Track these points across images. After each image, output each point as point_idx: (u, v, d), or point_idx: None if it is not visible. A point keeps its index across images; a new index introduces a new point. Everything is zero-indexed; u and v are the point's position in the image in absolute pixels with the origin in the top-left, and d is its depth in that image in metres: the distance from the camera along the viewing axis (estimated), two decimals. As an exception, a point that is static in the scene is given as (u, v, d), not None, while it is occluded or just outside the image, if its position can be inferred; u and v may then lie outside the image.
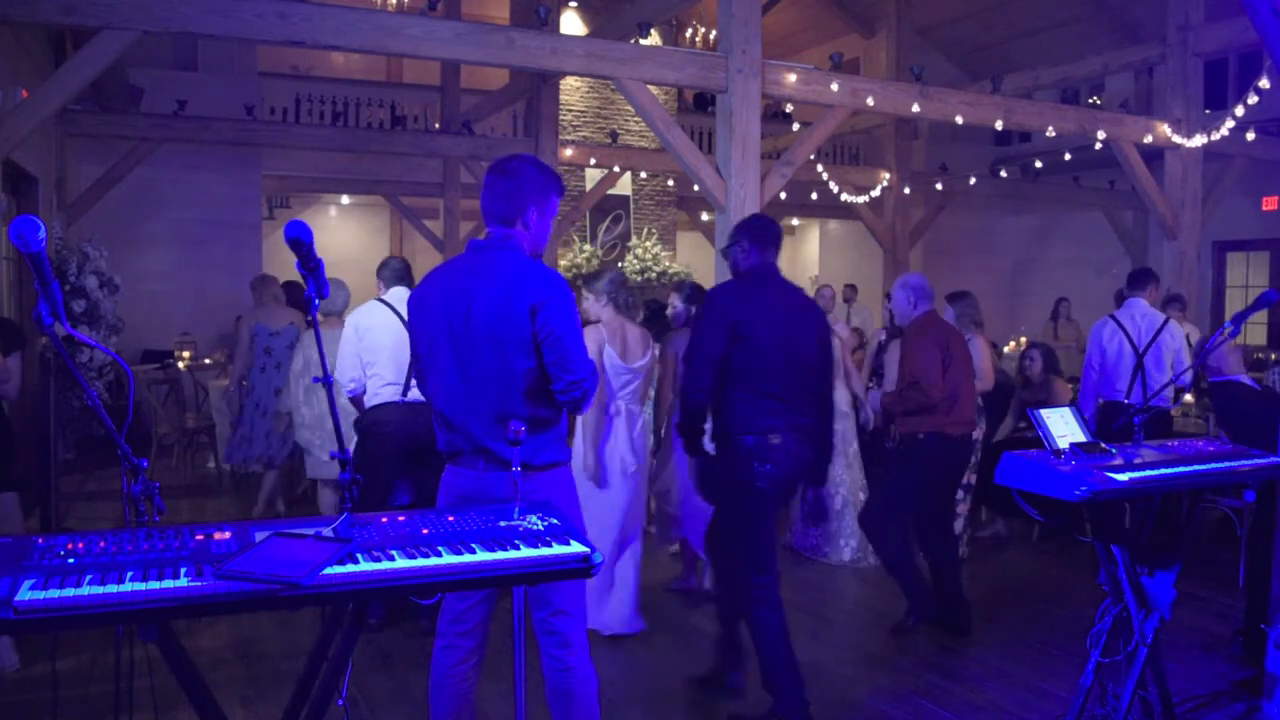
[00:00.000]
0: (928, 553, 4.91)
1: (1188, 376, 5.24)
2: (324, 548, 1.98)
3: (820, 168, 12.68)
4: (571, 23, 14.59)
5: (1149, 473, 2.91)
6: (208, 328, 11.78)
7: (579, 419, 4.57)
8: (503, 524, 2.25)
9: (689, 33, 16.95)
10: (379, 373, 4.55)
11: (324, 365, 2.31)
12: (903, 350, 4.93)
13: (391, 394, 4.54)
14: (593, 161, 12.85)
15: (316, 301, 2.17)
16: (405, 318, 4.53)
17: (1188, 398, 6.99)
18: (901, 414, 4.87)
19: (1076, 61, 9.93)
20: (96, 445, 8.55)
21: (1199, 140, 8.72)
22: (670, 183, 14.87)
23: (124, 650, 2.31)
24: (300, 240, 2.07)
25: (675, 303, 5.47)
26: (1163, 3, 8.84)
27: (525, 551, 2.11)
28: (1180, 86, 8.77)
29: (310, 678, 2.27)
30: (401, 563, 2.00)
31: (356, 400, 4.67)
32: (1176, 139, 8.75)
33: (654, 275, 14.25)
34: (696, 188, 7.48)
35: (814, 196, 13.58)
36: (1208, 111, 9.79)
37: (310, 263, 2.11)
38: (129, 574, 1.86)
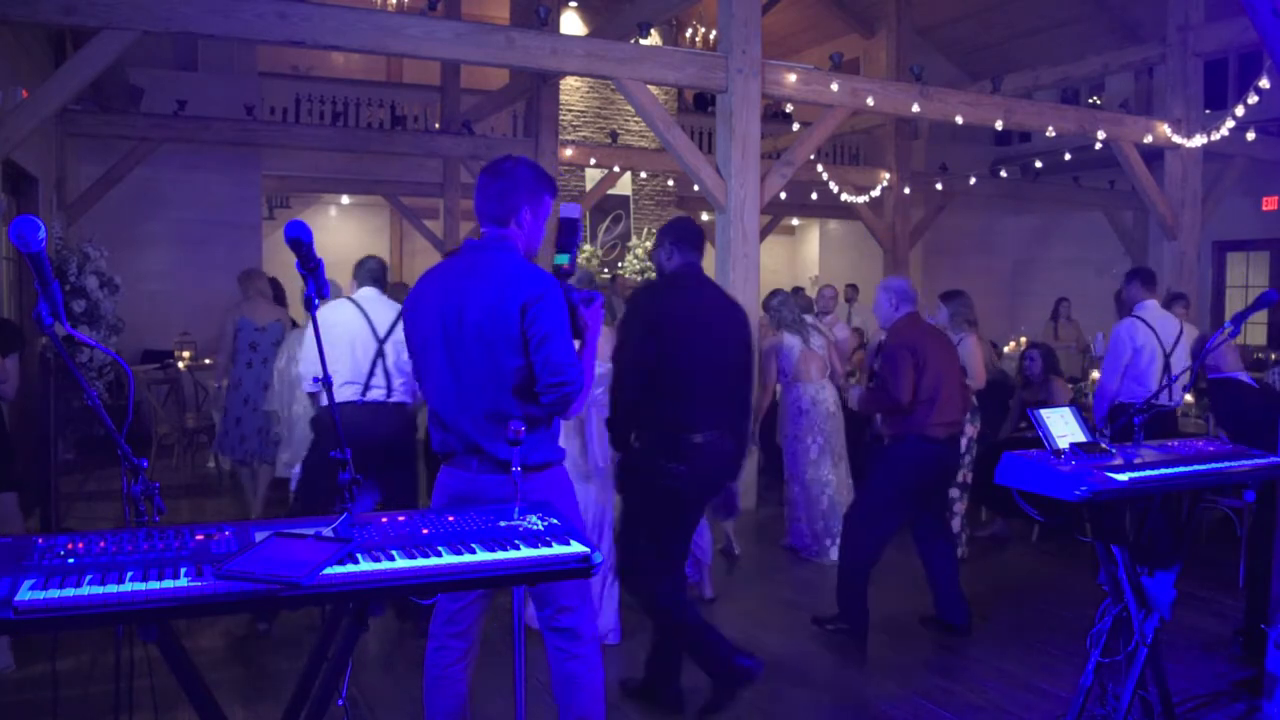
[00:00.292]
0: (923, 553, 4.88)
1: (1187, 376, 5.24)
2: (324, 548, 1.98)
3: (820, 168, 12.68)
4: (571, 23, 14.59)
5: (1149, 473, 2.91)
6: (208, 328, 11.74)
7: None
8: (503, 524, 2.25)
9: (689, 33, 16.95)
10: (336, 370, 4.41)
11: (323, 365, 2.31)
12: (879, 352, 4.98)
13: (350, 394, 4.44)
14: (593, 161, 12.85)
15: (316, 301, 2.17)
16: (371, 317, 4.51)
17: (1188, 397, 6.99)
18: (879, 414, 4.91)
19: (1076, 61, 9.94)
20: (96, 445, 8.55)
21: (1199, 140, 8.73)
22: (670, 183, 14.87)
23: (124, 650, 2.31)
24: (300, 240, 2.07)
25: None
26: (1163, 3, 8.85)
27: (525, 551, 2.11)
28: (1180, 86, 8.78)
29: (310, 678, 2.27)
30: (401, 563, 2.00)
31: (315, 398, 4.65)
32: (1176, 139, 8.75)
33: (654, 275, 14.28)
34: (696, 188, 7.48)
35: (814, 196, 13.58)
36: (1208, 111, 9.80)
37: (310, 263, 2.11)
38: (129, 574, 1.86)
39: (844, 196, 13.09)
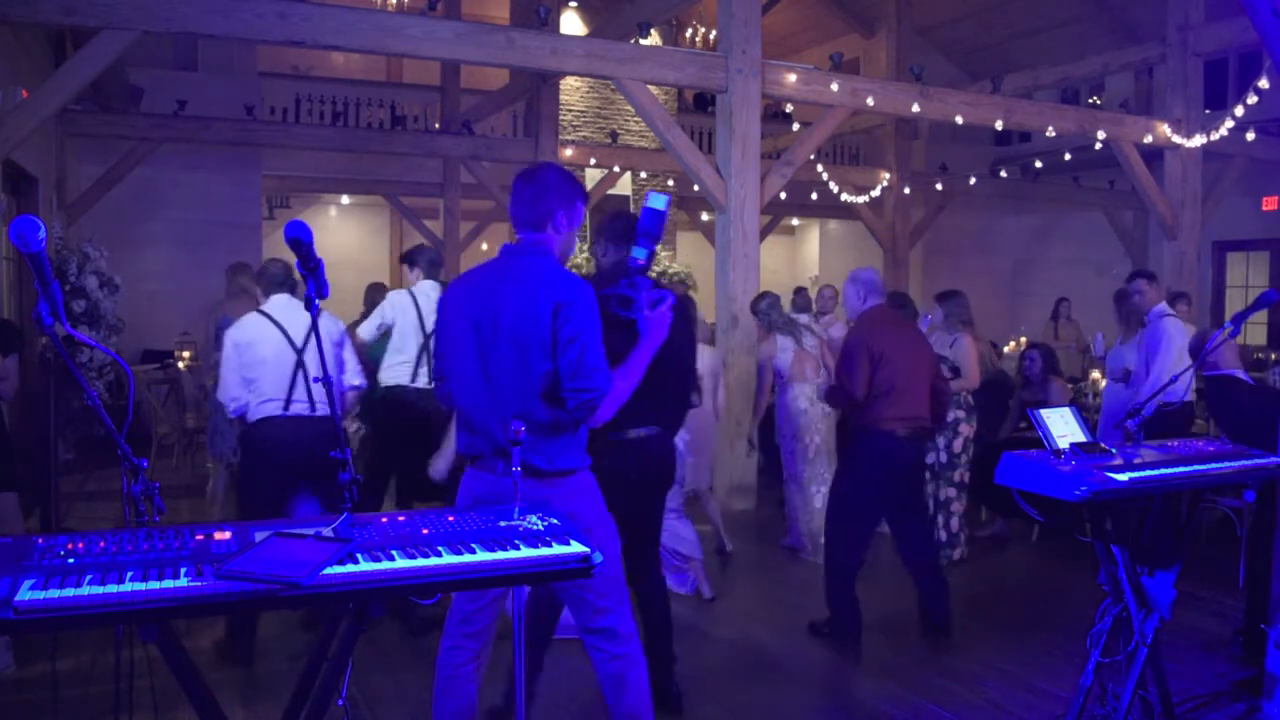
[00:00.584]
0: (901, 551, 4.77)
1: (1188, 376, 5.23)
2: (324, 548, 1.98)
3: (820, 168, 12.68)
4: (571, 23, 14.59)
5: (1149, 473, 2.91)
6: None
7: None
8: (503, 524, 2.25)
9: (689, 33, 16.96)
10: (260, 388, 4.31)
11: (323, 365, 2.31)
12: None
13: (274, 409, 4.31)
14: (593, 161, 12.85)
15: (316, 301, 2.17)
16: (284, 327, 4.32)
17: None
18: (843, 409, 4.80)
19: (1076, 61, 9.94)
20: (96, 445, 8.55)
21: (1199, 140, 8.73)
22: (670, 183, 14.88)
23: (124, 650, 2.31)
24: (300, 240, 2.07)
25: None
26: (1163, 3, 8.85)
27: (525, 551, 2.11)
28: (1180, 86, 8.78)
29: (310, 678, 2.27)
30: (401, 563, 2.00)
31: (240, 419, 4.47)
32: (1176, 139, 8.75)
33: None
34: (696, 188, 7.48)
35: (814, 196, 13.58)
36: (1208, 111, 9.80)
37: (310, 263, 2.11)
38: (129, 574, 1.86)
39: (844, 196, 13.09)
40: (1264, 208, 12.98)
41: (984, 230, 16.78)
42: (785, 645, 4.64)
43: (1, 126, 5.82)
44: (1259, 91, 8.13)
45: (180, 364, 9.97)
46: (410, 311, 5.25)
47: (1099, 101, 15.44)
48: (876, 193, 13.46)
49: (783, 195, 8.96)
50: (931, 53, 15.17)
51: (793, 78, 7.40)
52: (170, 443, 8.57)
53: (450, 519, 2.28)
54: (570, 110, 14.44)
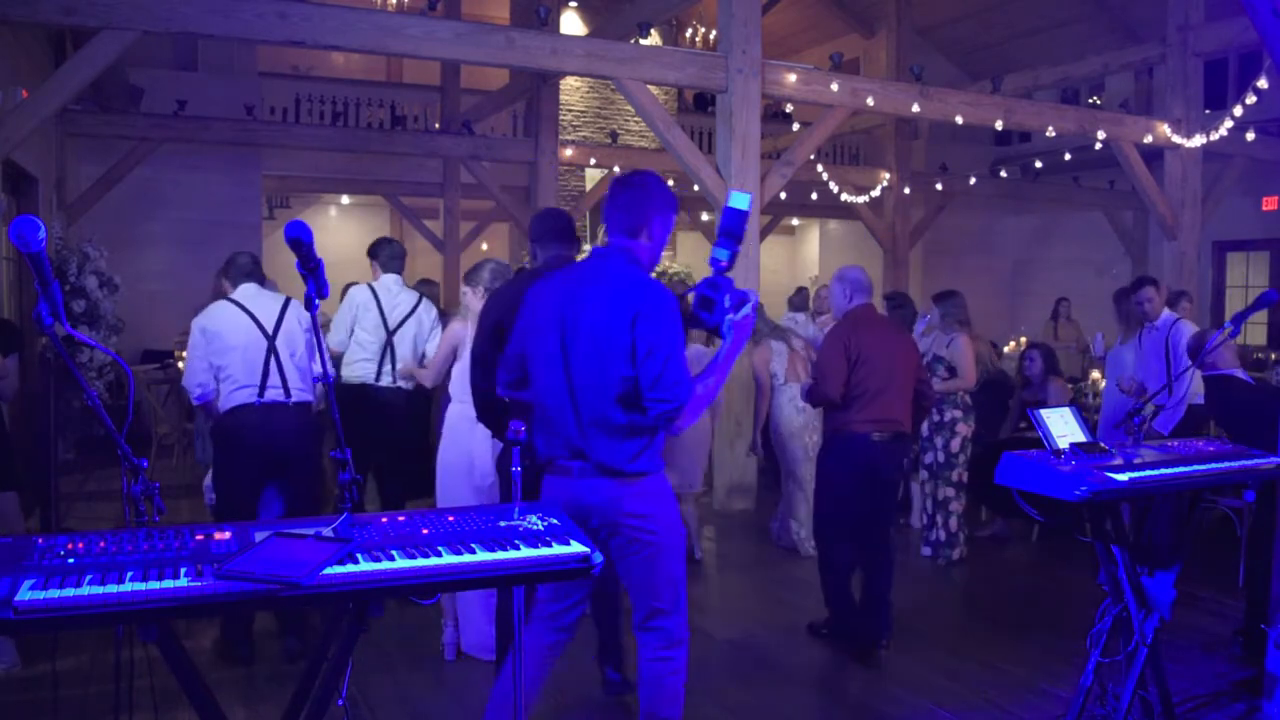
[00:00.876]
0: (860, 559, 4.58)
1: (1189, 375, 5.24)
2: (324, 548, 1.98)
3: (820, 168, 12.68)
4: (571, 23, 14.59)
5: (1149, 473, 2.92)
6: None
7: (445, 422, 4.31)
8: (503, 524, 2.25)
9: (689, 33, 16.96)
10: (232, 375, 4.27)
11: (324, 364, 2.31)
12: None
13: (247, 396, 4.27)
14: (593, 161, 12.85)
15: (316, 301, 2.17)
16: (255, 314, 4.30)
17: None
18: (821, 409, 4.69)
19: (1076, 61, 9.94)
20: (96, 445, 8.55)
21: (1199, 140, 8.73)
22: (670, 183, 14.81)
23: (124, 650, 2.31)
24: (300, 240, 2.07)
25: None
26: (1163, 3, 8.85)
27: (525, 551, 2.11)
28: (1180, 86, 8.78)
29: (310, 678, 2.27)
30: (401, 563, 2.00)
31: (206, 407, 4.43)
32: (1176, 139, 8.75)
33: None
34: (696, 188, 7.48)
35: (814, 196, 13.58)
36: (1208, 111, 9.80)
37: (310, 263, 2.12)
38: (129, 574, 1.86)
39: (844, 196, 13.09)
40: (1264, 208, 12.98)
41: (984, 230, 16.79)
42: (785, 645, 4.64)
43: (1, 126, 5.82)
44: (1259, 91, 8.13)
45: (180, 364, 9.96)
46: (371, 308, 5.26)
47: (1099, 101, 15.44)
48: (876, 193, 13.46)
49: (783, 195, 8.96)
50: (931, 53, 15.17)
51: (793, 78, 7.40)
52: (170, 443, 8.57)
53: (450, 519, 2.28)
54: (570, 110, 14.44)
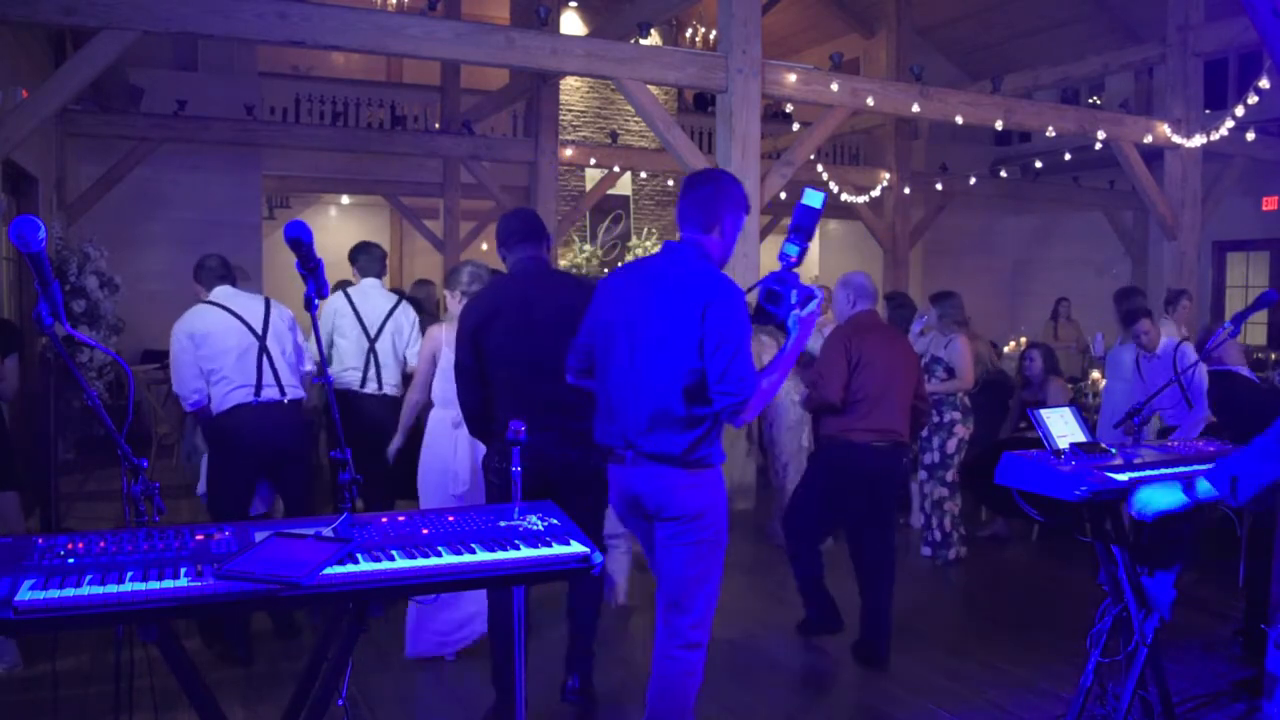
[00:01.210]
0: (855, 567, 4.49)
1: (1203, 383, 5.26)
2: (324, 548, 1.99)
3: (820, 168, 12.67)
4: (571, 23, 14.59)
5: (1149, 473, 2.91)
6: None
7: (427, 427, 4.27)
8: (503, 524, 2.25)
9: (689, 33, 16.95)
10: (226, 376, 4.25)
11: (324, 364, 2.31)
12: None
13: (244, 396, 4.26)
14: (593, 161, 12.85)
15: (316, 301, 2.17)
16: (242, 315, 4.29)
17: None
18: (819, 414, 4.62)
19: (1076, 61, 9.94)
20: (96, 445, 8.55)
21: (1199, 140, 8.73)
22: (670, 183, 14.87)
23: (124, 650, 2.31)
24: (300, 240, 2.08)
25: None
26: (1163, 3, 8.85)
27: (525, 551, 2.11)
28: (1180, 86, 8.78)
29: (310, 678, 2.27)
30: (401, 563, 2.00)
31: (201, 412, 4.36)
32: (1176, 139, 8.75)
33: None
34: (696, 188, 7.47)
35: (814, 196, 13.56)
36: (1208, 111, 9.79)
37: (310, 263, 2.12)
38: (129, 574, 1.86)
39: (844, 196, 13.08)
40: (1264, 208, 12.98)
41: (984, 230, 16.78)
42: (785, 645, 4.64)
43: (1, 126, 5.82)
44: (1259, 91, 8.13)
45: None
46: (347, 314, 5.11)
47: (1099, 101, 15.44)
48: (876, 193, 13.46)
49: (783, 195, 8.96)
50: (931, 53, 15.17)
51: (793, 78, 7.40)
52: (170, 443, 8.57)
53: (450, 519, 2.28)
54: (570, 110, 14.44)
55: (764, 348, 6.27)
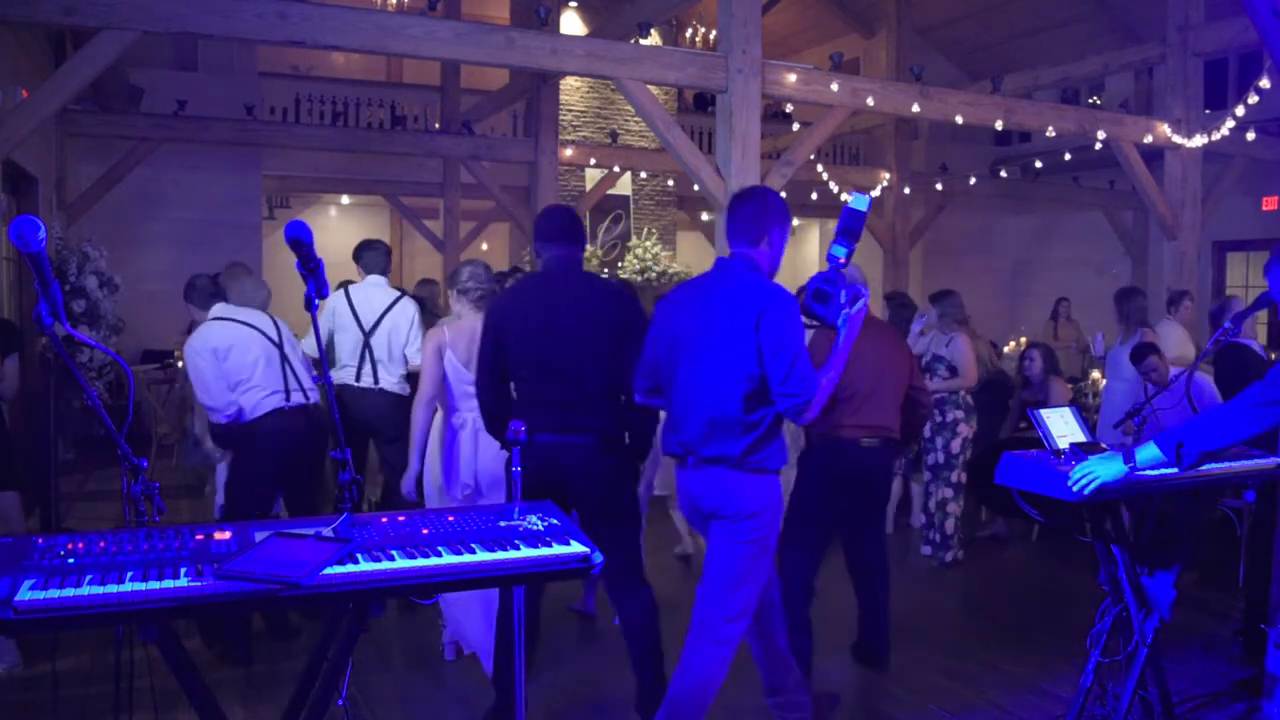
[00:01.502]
0: (850, 570, 4.45)
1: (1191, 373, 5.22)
2: (324, 548, 1.99)
3: (820, 168, 12.67)
4: (571, 23, 14.59)
5: (1149, 473, 2.91)
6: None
7: (436, 430, 4.24)
8: (503, 524, 2.25)
9: (689, 33, 16.95)
10: (257, 384, 4.36)
11: (323, 364, 2.32)
12: None
13: (277, 401, 4.35)
14: (593, 161, 12.85)
15: (316, 301, 2.17)
16: (258, 326, 4.41)
17: None
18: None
19: (1076, 61, 9.93)
20: (96, 445, 8.55)
21: (1199, 140, 8.72)
22: (670, 183, 14.87)
23: (124, 650, 2.31)
24: (300, 240, 2.08)
25: None
26: (1163, 3, 8.84)
27: (525, 551, 2.11)
28: (1180, 86, 8.77)
29: (310, 678, 2.27)
30: (401, 563, 2.00)
31: (230, 423, 4.39)
32: (1176, 139, 8.74)
33: (654, 275, 14.26)
34: (696, 188, 7.48)
35: (814, 196, 13.57)
36: (1208, 111, 9.79)
37: (310, 263, 2.12)
38: (129, 574, 1.86)
39: (844, 196, 13.08)
40: (1264, 208, 12.98)
41: (984, 230, 16.78)
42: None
43: (1, 126, 5.82)
44: (1259, 91, 8.13)
45: (180, 364, 9.97)
46: (344, 311, 5.13)
47: (1099, 101, 15.44)
48: (876, 193, 13.44)
49: (783, 195, 8.96)
50: (931, 53, 15.16)
51: (793, 78, 7.40)
52: (170, 443, 8.57)
53: (450, 519, 2.28)
54: (570, 110, 14.44)
55: None
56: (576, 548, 2.14)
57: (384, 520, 2.24)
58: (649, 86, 6.96)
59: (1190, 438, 2.65)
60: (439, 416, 4.20)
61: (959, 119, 8.22)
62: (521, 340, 3.45)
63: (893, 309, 6.43)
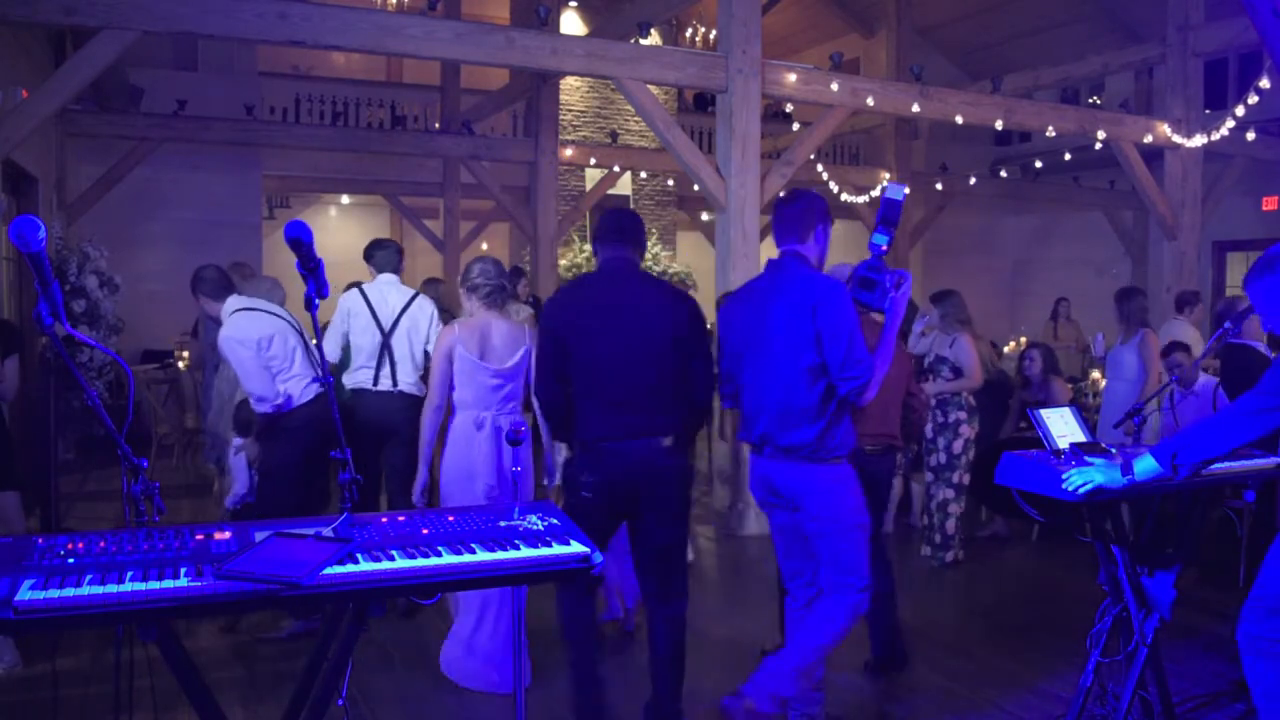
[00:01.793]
0: None
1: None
2: (324, 548, 1.99)
3: (820, 168, 12.67)
4: (571, 23, 14.59)
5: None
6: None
7: (451, 427, 4.16)
8: (503, 524, 2.25)
9: (689, 33, 16.96)
10: (298, 373, 4.45)
11: (323, 364, 2.31)
12: None
13: (319, 387, 4.42)
14: (593, 161, 12.85)
15: (316, 301, 2.17)
16: (281, 314, 4.52)
17: None
18: None
19: (1076, 61, 9.93)
20: (96, 445, 8.55)
21: (1199, 140, 8.73)
22: (670, 183, 14.87)
23: (124, 650, 2.31)
24: (300, 240, 2.08)
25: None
26: (1163, 3, 8.84)
27: (525, 551, 2.11)
28: (1180, 86, 8.78)
29: (310, 678, 2.27)
30: (401, 563, 2.00)
31: (277, 413, 4.42)
32: (1176, 139, 8.75)
33: (654, 275, 14.28)
34: (696, 188, 7.48)
35: (814, 196, 13.57)
36: (1208, 111, 9.80)
37: (310, 263, 2.12)
38: (129, 574, 1.86)
39: (844, 196, 13.08)
40: (1264, 208, 12.98)
41: (984, 230, 16.79)
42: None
43: (1, 126, 5.82)
44: (1259, 91, 8.13)
45: (180, 364, 9.97)
46: (362, 312, 5.06)
47: (1099, 101, 15.44)
48: (876, 193, 13.45)
49: (783, 195, 8.96)
50: (931, 53, 15.17)
51: (793, 78, 7.40)
52: (170, 443, 8.57)
53: (450, 519, 2.28)
54: (570, 110, 14.44)
55: None
56: (576, 548, 2.14)
57: (384, 520, 2.24)
58: (649, 86, 6.97)
59: (1184, 448, 2.71)
60: (460, 417, 4.10)
61: (959, 119, 8.23)
62: (586, 339, 3.37)
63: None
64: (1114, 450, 3.10)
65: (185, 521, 3.42)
